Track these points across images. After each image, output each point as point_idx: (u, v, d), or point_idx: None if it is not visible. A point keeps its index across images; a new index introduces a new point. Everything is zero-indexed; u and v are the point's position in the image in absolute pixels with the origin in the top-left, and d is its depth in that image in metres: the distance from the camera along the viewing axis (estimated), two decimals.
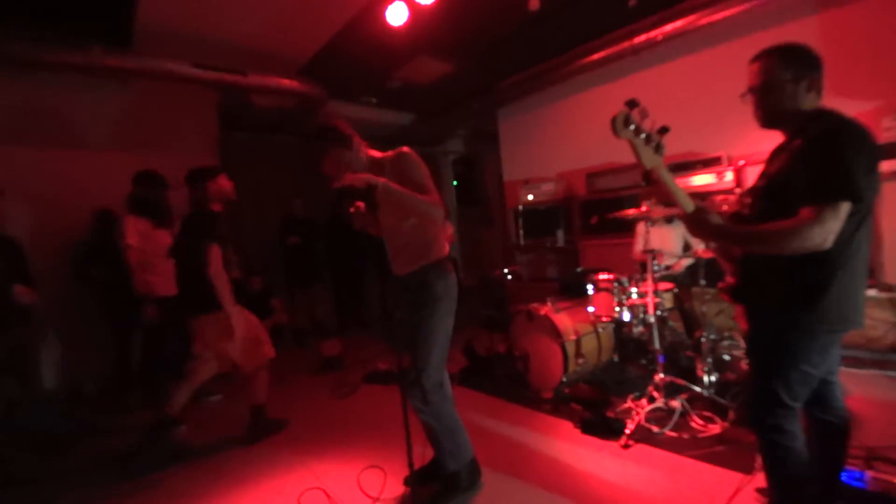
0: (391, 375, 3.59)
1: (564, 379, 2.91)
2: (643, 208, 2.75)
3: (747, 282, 1.47)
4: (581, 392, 2.83)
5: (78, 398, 3.77)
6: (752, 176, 3.35)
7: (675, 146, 4.19)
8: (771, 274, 1.37)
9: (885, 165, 3.02)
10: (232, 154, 5.29)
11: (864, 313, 1.37)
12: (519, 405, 2.99)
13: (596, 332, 3.09)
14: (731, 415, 2.41)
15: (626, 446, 2.31)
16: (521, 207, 5.50)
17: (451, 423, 1.99)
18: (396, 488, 2.11)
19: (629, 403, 2.71)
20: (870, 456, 1.90)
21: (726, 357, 2.87)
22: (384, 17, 3.55)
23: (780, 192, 1.34)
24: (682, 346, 3.11)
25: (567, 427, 2.61)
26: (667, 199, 1.43)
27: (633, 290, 2.92)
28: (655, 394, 2.59)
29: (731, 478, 1.95)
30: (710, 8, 3.65)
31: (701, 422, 2.43)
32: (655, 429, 2.41)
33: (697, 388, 2.60)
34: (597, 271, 3.22)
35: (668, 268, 3.34)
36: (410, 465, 1.77)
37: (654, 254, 2.70)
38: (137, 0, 3.35)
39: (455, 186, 7.81)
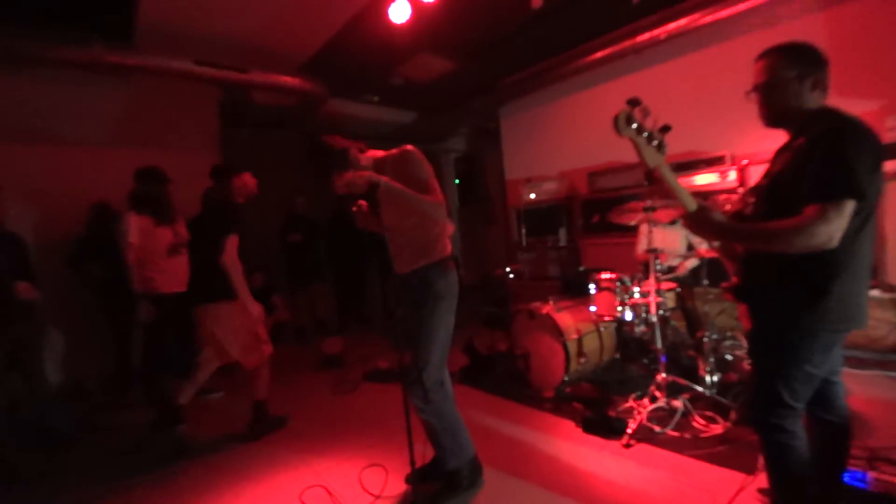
0: (392, 373, 3.59)
1: (566, 378, 2.90)
2: (645, 204, 2.72)
3: (750, 281, 1.47)
4: (583, 391, 2.83)
5: (80, 395, 3.78)
6: (755, 175, 3.35)
7: (677, 145, 4.19)
8: (774, 273, 1.37)
9: (889, 165, 3.00)
10: (233, 151, 5.28)
11: (868, 313, 1.36)
12: (520, 404, 2.99)
13: (598, 331, 3.09)
14: (733, 415, 2.41)
15: (627, 446, 2.31)
16: (522, 206, 5.50)
17: (452, 421, 1.99)
18: (398, 486, 2.11)
19: (631, 403, 2.71)
20: (872, 457, 1.90)
21: (728, 357, 2.87)
22: (386, 14, 3.53)
23: (783, 191, 1.33)
24: (684, 345, 3.11)
25: (568, 426, 2.61)
26: (669, 197, 1.42)
27: (636, 289, 2.91)
28: (657, 393, 2.58)
29: (733, 478, 1.95)
30: (712, 6, 3.63)
31: (703, 422, 2.43)
32: (657, 428, 2.41)
33: (699, 388, 2.60)
34: (599, 270, 3.22)
35: (671, 269, 3.33)
36: (412, 462, 1.77)
37: (656, 253, 2.69)
38: None
39: (457, 185, 7.81)
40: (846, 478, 1.66)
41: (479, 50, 4.61)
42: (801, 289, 1.32)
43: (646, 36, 4.06)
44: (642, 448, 2.29)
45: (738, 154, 3.81)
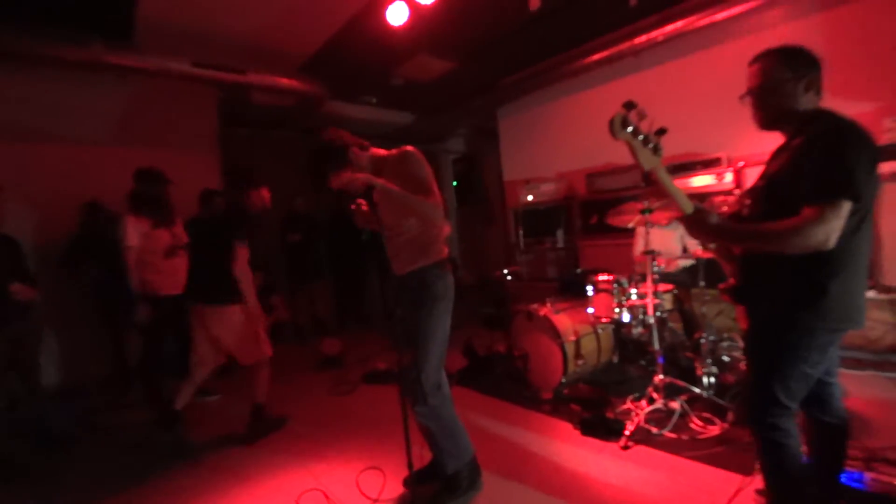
0: (390, 375, 3.59)
1: (564, 379, 2.90)
2: (642, 205, 2.73)
3: (747, 282, 1.47)
4: (580, 393, 2.83)
5: (78, 395, 3.77)
6: (751, 177, 3.35)
7: (674, 147, 4.22)
8: (771, 274, 1.37)
9: (885, 167, 3.02)
10: (232, 150, 5.28)
11: (865, 314, 1.37)
12: (518, 405, 2.99)
13: (595, 332, 3.09)
14: (731, 416, 2.41)
15: (625, 447, 2.31)
16: (521, 207, 5.50)
17: (450, 424, 1.98)
18: (396, 489, 2.10)
19: (629, 404, 2.71)
20: (869, 457, 1.90)
21: (726, 358, 2.87)
22: (384, 16, 3.54)
23: (780, 192, 1.34)
24: (682, 347, 3.11)
25: (566, 428, 2.61)
26: (666, 199, 1.43)
27: (633, 290, 2.92)
28: (655, 395, 2.59)
29: (731, 479, 1.95)
30: (710, 9, 3.65)
31: (700, 423, 2.43)
32: (655, 430, 2.41)
33: (697, 390, 2.60)
34: (596, 272, 3.22)
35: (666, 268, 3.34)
36: (410, 465, 1.77)
37: (653, 255, 2.70)
38: None
39: (455, 186, 7.81)
40: (844, 478, 1.67)
41: (477, 51, 4.61)
42: (798, 289, 1.33)
43: (643, 38, 4.07)
44: (640, 449, 2.29)
45: (735, 156, 3.82)
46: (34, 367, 2.95)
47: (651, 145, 1.34)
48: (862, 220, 1.29)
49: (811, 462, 1.56)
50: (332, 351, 4.26)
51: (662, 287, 2.95)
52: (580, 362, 2.95)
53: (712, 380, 2.67)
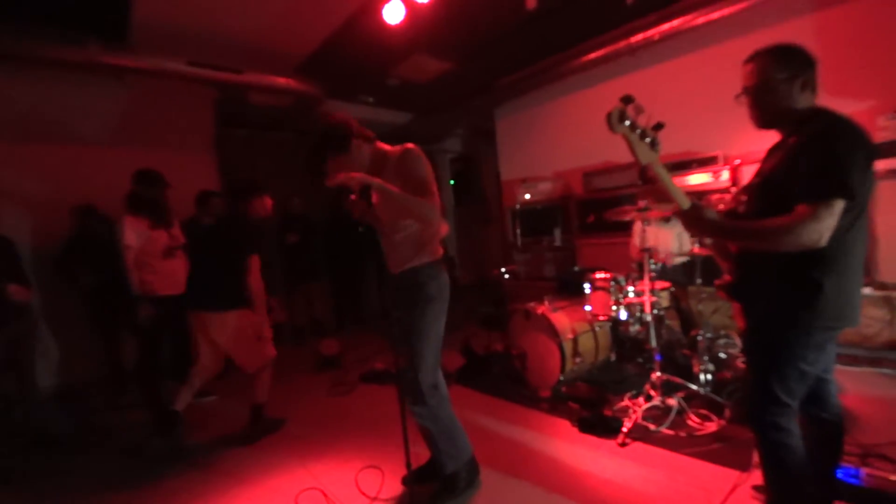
0: (388, 375, 3.59)
1: (562, 378, 2.91)
2: (639, 206, 2.75)
3: (744, 279, 1.48)
4: (578, 391, 2.84)
5: (75, 396, 3.75)
6: (747, 175, 3.37)
7: (671, 145, 4.22)
8: (767, 271, 1.38)
9: (881, 164, 3.03)
10: (229, 151, 5.26)
11: (861, 311, 1.38)
12: (516, 404, 3.00)
13: (593, 330, 3.10)
14: (728, 413, 2.42)
15: (623, 444, 2.32)
16: (518, 206, 5.51)
17: (448, 424, 1.98)
18: (394, 488, 2.10)
19: (626, 402, 2.72)
20: (865, 453, 1.91)
21: (723, 355, 2.89)
22: (381, 15, 3.54)
23: (775, 190, 1.35)
24: (679, 344, 3.13)
25: (564, 425, 2.61)
26: (663, 195, 1.43)
27: (630, 288, 2.93)
28: (652, 392, 2.60)
29: (728, 475, 1.96)
30: (706, 7, 3.65)
31: (697, 420, 2.44)
32: (652, 427, 2.42)
33: (694, 387, 2.62)
34: (594, 270, 3.23)
35: (663, 267, 3.34)
36: (408, 464, 1.77)
37: (651, 252, 2.71)
38: None
39: (452, 185, 7.81)
40: (840, 474, 1.68)
41: (474, 51, 4.61)
42: (794, 286, 1.33)
43: (640, 37, 4.08)
44: (638, 447, 2.30)
45: (731, 154, 3.84)
46: (30, 368, 2.94)
47: (648, 140, 1.34)
48: (857, 218, 1.30)
49: (808, 458, 1.57)
50: (331, 351, 4.26)
51: (659, 285, 2.96)
52: (578, 360, 2.95)
53: (709, 377, 2.68)
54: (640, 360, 3.21)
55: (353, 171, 1.87)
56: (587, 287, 3.13)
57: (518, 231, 5.58)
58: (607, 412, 2.61)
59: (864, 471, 1.78)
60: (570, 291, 3.61)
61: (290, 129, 5.86)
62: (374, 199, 1.85)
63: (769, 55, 1.41)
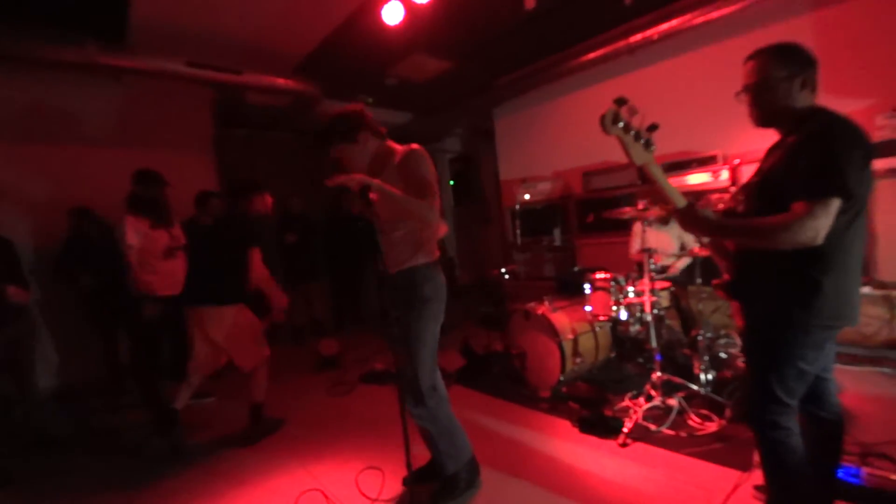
0: (388, 375, 3.59)
1: (562, 378, 2.91)
2: (640, 206, 2.75)
3: (742, 278, 1.48)
4: (579, 391, 2.84)
5: (74, 397, 3.75)
6: (747, 174, 3.37)
7: (670, 145, 4.23)
8: (766, 270, 1.38)
9: (880, 163, 3.04)
10: (228, 151, 5.25)
11: (860, 310, 1.38)
12: (516, 404, 2.99)
13: (593, 330, 3.10)
14: (728, 412, 2.42)
15: (623, 445, 2.32)
16: (517, 206, 5.51)
17: (447, 424, 1.98)
18: (395, 488, 2.10)
19: (627, 402, 2.72)
20: (865, 452, 1.91)
21: (723, 355, 2.89)
22: (380, 15, 3.54)
23: (774, 189, 1.35)
24: (679, 344, 3.13)
25: (565, 426, 2.61)
26: (659, 195, 1.44)
27: (630, 288, 2.92)
28: (653, 392, 2.60)
29: (729, 475, 1.96)
30: (705, 7, 3.66)
31: (698, 420, 2.44)
32: (653, 427, 2.42)
33: (694, 387, 2.62)
34: (593, 270, 3.23)
35: (664, 269, 3.35)
36: (409, 465, 1.77)
37: (650, 253, 2.71)
38: None
39: (452, 185, 7.81)
40: (840, 473, 1.68)
41: (473, 50, 4.61)
42: (793, 285, 1.33)
43: (638, 36, 4.08)
44: (638, 447, 2.30)
45: (731, 153, 3.84)
46: (30, 369, 2.93)
47: (642, 141, 1.35)
48: (856, 217, 1.30)
49: (808, 458, 1.57)
50: (330, 352, 4.25)
51: (659, 285, 2.96)
52: (578, 360, 2.95)
53: (710, 377, 2.68)
54: (640, 359, 3.21)
55: (355, 162, 1.91)
56: (587, 287, 3.13)
57: (517, 231, 5.58)
58: (607, 412, 2.61)
59: (864, 470, 1.78)
60: (569, 291, 3.61)
61: (289, 129, 5.85)
62: (374, 197, 1.84)
63: (769, 53, 1.41)
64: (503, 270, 4.04)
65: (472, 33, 4.26)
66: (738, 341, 2.94)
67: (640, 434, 2.38)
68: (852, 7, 3.37)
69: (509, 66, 5.06)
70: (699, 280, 2.89)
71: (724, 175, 3.80)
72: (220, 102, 4.94)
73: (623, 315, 2.92)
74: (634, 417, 2.45)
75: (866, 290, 3.10)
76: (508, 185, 5.93)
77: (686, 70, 4.22)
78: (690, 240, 3.24)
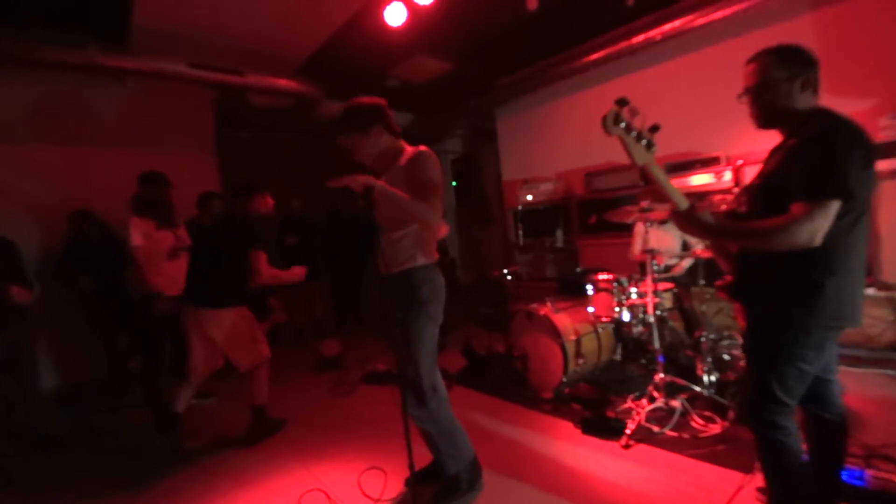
0: (390, 376, 3.59)
1: (564, 379, 2.90)
2: (642, 205, 2.74)
3: (744, 279, 1.48)
4: (581, 392, 2.83)
5: (75, 397, 3.75)
6: (750, 175, 3.36)
7: (673, 146, 4.22)
8: (768, 271, 1.38)
9: (883, 164, 3.02)
10: (229, 152, 5.27)
11: (862, 311, 1.37)
12: (518, 405, 2.99)
13: (596, 332, 3.09)
14: (731, 414, 2.41)
15: (626, 446, 2.31)
16: (519, 207, 5.50)
17: (448, 425, 1.98)
18: (397, 489, 2.10)
19: (629, 403, 2.72)
20: (869, 454, 1.90)
21: (726, 356, 2.87)
22: (382, 17, 3.54)
23: (775, 191, 1.35)
24: (682, 345, 3.11)
25: (567, 427, 2.61)
26: (661, 196, 1.44)
27: (633, 290, 2.92)
28: (655, 393, 2.59)
29: (732, 477, 1.95)
30: (707, 8, 3.65)
31: (701, 421, 2.43)
32: (656, 428, 2.41)
33: (697, 388, 2.61)
34: (596, 271, 3.23)
35: (667, 269, 3.34)
36: (411, 465, 1.76)
37: (653, 254, 2.70)
38: None
39: (454, 186, 7.81)
40: (844, 475, 1.67)
41: (475, 51, 4.62)
42: (794, 286, 1.33)
43: (641, 37, 4.08)
44: (641, 448, 2.29)
45: (734, 154, 3.83)
46: (31, 371, 2.94)
47: (644, 141, 1.35)
48: (858, 219, 1.29)
49: (811, 459, 1.56)
50: (331, 352, 4.26)
51: (662, 286, 2.95)
52: (581, 361, 2.95)
53: (713, 378, 2.67)
54: (643, 361, 3.20)
55: (362, 153, 1.93)
56: (590, 288, 3.13)
57: (519, 232, 5.58)
58: (610, 414, 2.60)
59: (867, 472, 1.77)
60: (572, 292, 3.61)
61: (290, 131, 5.86)
62: (376, 196, 1.85)
63: (770, 55, 1.41)
64: (505, 271, 4.04)
65: (474, 34, 4.26)
66: (741, 342, 2.93)
67: (642, 436, 2.38)
68: (854, 7, 3.36)
69: (511, 66, 5.06)
70: (702, 281, 2.88)
71: (727, 176, 3.79)
72: (221, 104, 4.96)
73: (626, 316, 2.91)
74: (637, 419, 2.44)
75: (870, 291, 3.09)
76: (510, 186, 5.93)
77: (688, 71, 4.21)
78: (693, 240, 3.23)
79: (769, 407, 1.40)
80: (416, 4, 3.43)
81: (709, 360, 2.71)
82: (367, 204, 1.79)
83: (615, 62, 4.46)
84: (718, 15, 3.63)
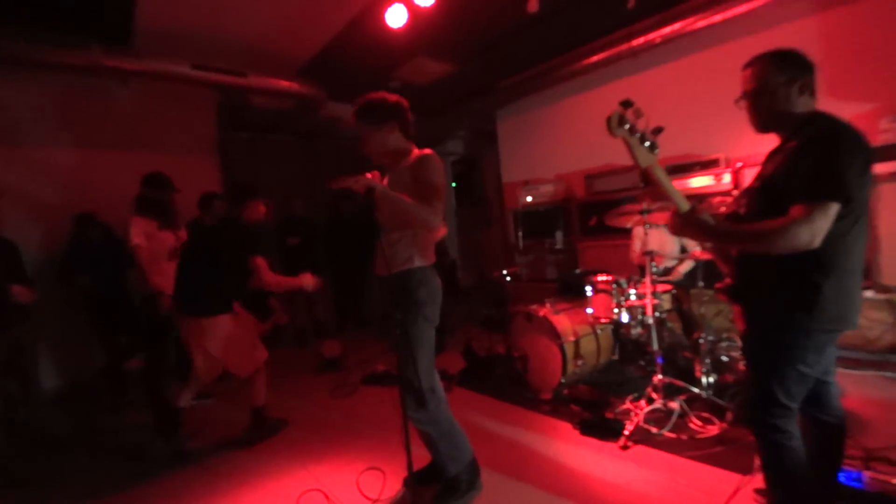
0: (390, 377, 3.59)
1: (563, 380, 2.91)
2: (641, 206, 2.74)
3: (744, 282, 1.48)
4: (580, 393, 2.84)
5: (77, 398, 3.76)
6: (749, 178, 3.36)
7: (672, 148, 4.22)
8: (767, 274, 1.39)
9: (883, 167, 3.03)
10: (231, 153, 5.28)
11: (860, 314, 1.38)
12: (518, 406, 3.00)
13: (595, 333, 3.10)
14: (730, 416, 2.41)
15: (624, 447, 2.32)
16: (520, 208, 5.51)
17: (447, 427, 1.99)
18: (396, 489, 2.11)
19: (628, 404, 2.72)
20: (868, 456, 1.91)
21: (724, 358, 2.88)
22: (383, 18, 3.56)
23: (774, 194, 1.35)
24: (681, 347, 3.12)
25: (566, 428, 2.61)
26: (662, 198, 1.45)
27: (632, 291, 2.92)
28: (654, 395, 2.59)
29: (730, 478, 1.96)
30: (707, 10, 3.66)
31: (699, 423, 2.44)
32: (654, 430, 2.41)
33: (696, 390, 2.61)
34: (595, 273, 3.23)
35: (667, 271, 3.34)
36: (409, 466, 1.77)
37: (652, 255, 2.71)
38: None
39: (454, 187, 7.83)
40: (842, 477, 1.67)
41: (475, 53, 4.63)
42: (794, 289, 1.34)
43: (641, 39, 4.09)
44: (639, 449, 2.30)
45: (733, 157, 3.84)
46: (32, 371, 2.95)
47: (647, 143, 1.36)
48: (856, 221, 1.30)
49: (809, 461, 1.57)
50: (332, 353, 4.26)
51: (661, 287, 2.96)
52: (580, 363, 2.95)
53: (711, 380, 2.67)
54: (641, 362, 3.21)
55: (370, 146, 1.96)
56: (589, 289, 3.13)
57: (519, 233, 5.58)
58: (609, 415, 2.61)
59: (866, 474, 1.77)
60: (571, 294, 3.61)
61: (292, 132, 5.87)
62: (377, 197, 1.86)
63: (767, 59, 1.42)
64: (505, 272, 4.05)
65: (475, 36, 4.28)
66: (740, 344, 2.94)
67: (641, 437, 2.38)
68: (856, 10, 3.37)
69: (512, 68, 5.07)
70: (701, 283, 2.89)
71: (727, 178, 3.79)
72: (224, 105, 4.98)
73: (625, 317, 2.91)
74: (635, 420, 2.45)
75: (869, 293, 3.09)
76: (511, 188, 5.94)
77: (689, 73, 4.22)
78: (692, 242, 3.24)
79: (771, 410, 1.40)
80: (418, 6, 3.45)
81: (707, 361, 2.71)
82: (368, 205, 1.80)
83: (615, 64, 4.47)
84: (718, 18, 3.64)
